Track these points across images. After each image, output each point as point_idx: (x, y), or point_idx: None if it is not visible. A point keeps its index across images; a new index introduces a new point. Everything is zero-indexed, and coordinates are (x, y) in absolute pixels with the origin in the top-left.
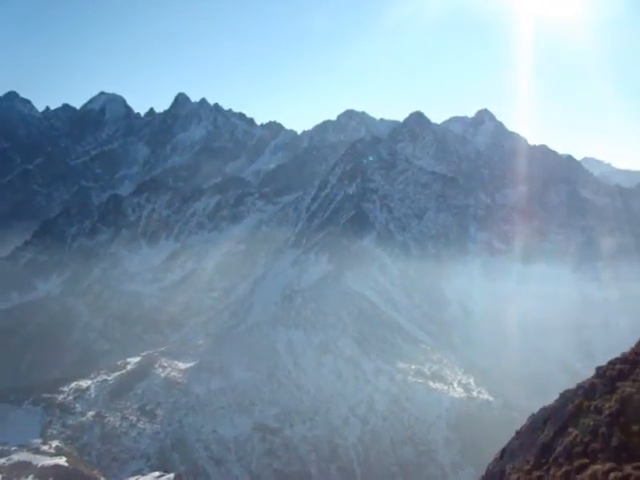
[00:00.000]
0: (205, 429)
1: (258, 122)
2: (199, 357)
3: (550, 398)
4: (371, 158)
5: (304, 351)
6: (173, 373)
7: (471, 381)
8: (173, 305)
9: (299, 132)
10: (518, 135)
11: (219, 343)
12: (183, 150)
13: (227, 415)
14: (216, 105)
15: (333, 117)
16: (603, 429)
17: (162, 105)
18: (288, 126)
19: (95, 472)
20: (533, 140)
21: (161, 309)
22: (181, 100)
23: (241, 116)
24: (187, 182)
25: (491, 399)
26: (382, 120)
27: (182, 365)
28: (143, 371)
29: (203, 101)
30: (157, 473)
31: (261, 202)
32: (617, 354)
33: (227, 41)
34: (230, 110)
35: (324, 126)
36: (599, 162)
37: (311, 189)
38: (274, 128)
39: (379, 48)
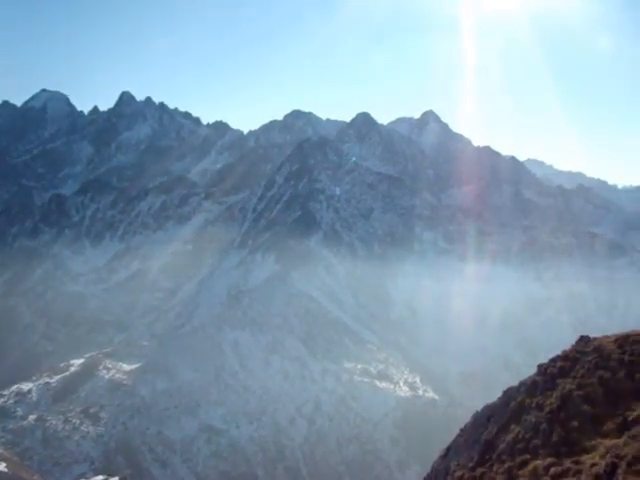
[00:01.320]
0: (150, 431)
1: (204, 121)
2: (144, 358)
3: (494, 396)
4: (319, 158)
5: (251, 352)
6: (118, 375)
7: (417, 380)
8: (118, 306)
9: (245, 132)
10: (463, 136)
11: (165, 344)
12: (128, 149)
13: (173, 416)
14: (161, 104)
15: (279, 117)
16: (544, 425)
17: (106, 104)
18: (234, 126)
19: (36, 477)
20: (477, 141)
21: (105, 310)
22: (126, 99)
23: (187, 115)
24: (132, 182)
25: (436, 397)
26: (329, 120)
27: (127, 366)
28: (87, 373)
29: (148, 100)
30: (101, 477)
31: (207, 202)
32: (558, 351)
33: (172, 40)
34: (176, 109)
35: (270, 126)
36: (542, 163)
37: (257, 189)
38: (220, 127)
39: (325, 48)
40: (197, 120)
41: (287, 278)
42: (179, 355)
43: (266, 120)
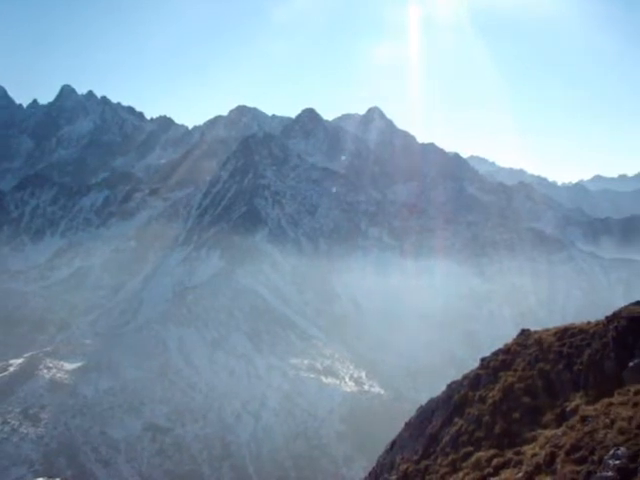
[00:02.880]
0: (93, 431)
1: (148, 116)
2: (87, 357)
3: (439, 390)
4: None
5: (196, 349)
6: (59, 374)
7: (363, 375)
8: (59, 304)
9: (190, 127)
10: (407, 133)
11: (108, 342)
12: (69, 144)
13: (116, 416)
14: (104, 98)
15: (224, 112)
16: (487, 418)
17: (46, 97)
18: (179, 121)
19: None
20: (422, 138)
21: (47, 308)
22: (66, 92)
23: (130, 110)
24: (74, 177)
25: (382, 392)
26: (274, 116)
27: (69, 366)
28: (26, 373)
29: (90, 93)
30: (41, 479)
31: (151, 198)
32: (501, 345)
33: (115, 32)
34: (119, 103)
35: (215, 121)
36: (484, 160)
37: (202, 185)
38: (164, 123)
39: (271, 44)
40: (141, 115)
41: (232, 274)
42: (123, 353)
43: (211, 115)
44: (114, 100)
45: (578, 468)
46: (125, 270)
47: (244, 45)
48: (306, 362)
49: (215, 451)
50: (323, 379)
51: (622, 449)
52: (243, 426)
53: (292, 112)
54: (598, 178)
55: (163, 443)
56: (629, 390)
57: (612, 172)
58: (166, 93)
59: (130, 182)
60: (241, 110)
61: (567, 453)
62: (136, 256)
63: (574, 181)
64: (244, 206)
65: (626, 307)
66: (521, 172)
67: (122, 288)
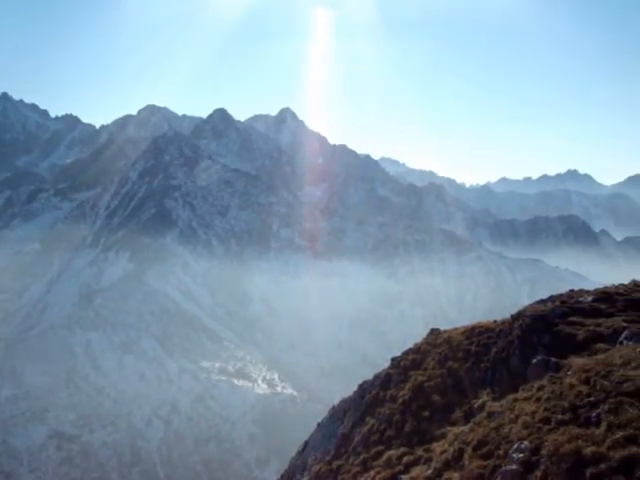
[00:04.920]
0: None
1: (53, 114)
2: None
3: (351, 390)
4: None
5: (104, 353)
6: None
7: (275, 377)
8: None
9: (97, 126)
10: (319, 134)
11: (11, 348)
12: None
13: (19, 424)
14: (5, 95)
15: (134, 112)
16: (397, 417)
17: None
18: (85, 119)
19: None
20: (333, 139)
21: None
22: None
23: (34, 107)
24: None
25: (295, 393)
26: (185, 116)
27: None
28: None
29: None
30: None
31: (56, 199)
32: (411, 344)
33: (17, 26)
34: (21, 100)
35: (124, 121)
36: (395, 162)
37: (110, 186)
38: (70, 121)
39: (182, 43)
40: (45, 113)
41: (142, 277)
42: (27, 359)
43: (119, 114)
44: (16, 97)
45: (484, 463)
46: (29, 273)
47: (154, 44)
48: (218, 365)
49: (124, 457)
50: (235, 381)
51: (525, 443)
52: (153, 431)
53: (203, 112)
54: (504, 180)
55: (69, 451)
56: (533, 386)
57: (517, 174)
58: (72, 91)
59: (34, 182)
60: (151, 110)
61: (474, 449)
62: (40, 259)
63: (481, 183)
64: (154, 207)
65: (530, 306)
66: (431, 174)
67: (26, 292)
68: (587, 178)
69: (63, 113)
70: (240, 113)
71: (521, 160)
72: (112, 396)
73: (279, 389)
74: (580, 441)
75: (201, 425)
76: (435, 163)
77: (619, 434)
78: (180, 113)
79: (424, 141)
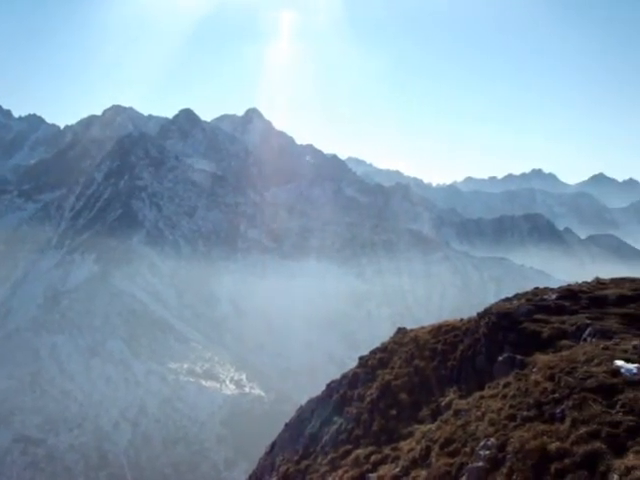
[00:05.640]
0: None
1: (16, 114)
2: None
3: (319, 390)
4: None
5: (70, 356)
6: None
7: (243, 377)
8: None
9: (62, 126)
10: (286, 134)
11: None
12: None
13: None
14: None
15: (98, 112)
16: (365, 416)
17: None
18: (50, 120)
19: None
20: (300, 139)
21: None
22: None
23: None
24: None
25: (263, 394)
26: (150, 116)
27: None
28: None
29: None
30: None
31: (20, 200)
32: (379, 344)
33: None
34: None
35: (89, 121)
36: (362, 162)
37: (75, 187)
38: (34, 121)
39: (148, 43)
40: (8, 113)
41: (108, 278)
42: None
43: (84, 115)
44: None
45: (451, 460)
46: None
47: (119, 43)
48: (186, 366)
49: (91, 461)
50: (203, 383)
51: (492, 440)
52: (121, 434)
53: (169, 112)
54: (470, 180)
55: (35, 455)
56: (499, 383)
57: (483, 174)
58: (36, 91)
59: None
60: (116, 110)
61: (441, 447)
62: (5, 261)
63: (448, 182)
64: (120, 208)
65: (496, 304)
66: (397, 173)
67: None
68: (551, 177)
69: (27, 113)
70: (207, 114)
71: (487, 160)
72: (78, 399)
73: (247, 390)
74: (545, 437)
75: (169, 427)
76: (402, 163)
77: (583, 430)
78: (146, 113)
79: (391, 141)
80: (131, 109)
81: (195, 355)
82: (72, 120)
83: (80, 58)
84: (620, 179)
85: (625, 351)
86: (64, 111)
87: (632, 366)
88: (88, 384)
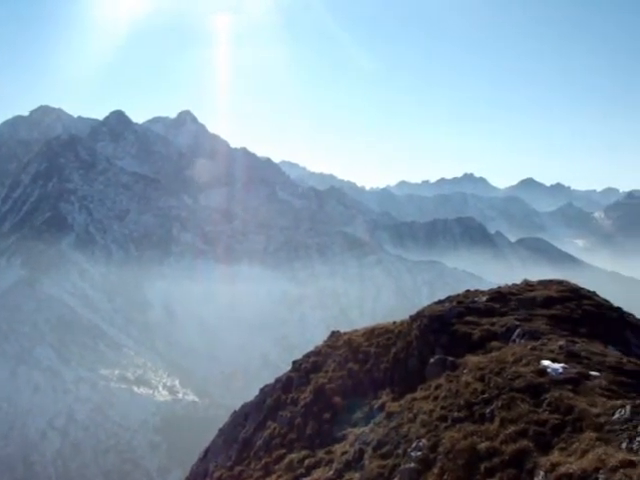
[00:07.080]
0: None
1: None
2: None
3: (253, 394)
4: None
5: None
6: None
7: (176, 383)
8: None
9: None
10: (219, 137)
11: None
12: None
13: None
14: None
15: (25, 112)
16: (299, 420)
17: None
18: None
19: None
20: (234, 142)
21: None
22: None
23: None
24: None
25: (197, 400)
26: (80, 118)
27: None
28: None
29: None
30: None
31: None
32: (312, 347)
33: None
34: None
35: (15, 121)
36: (295, 165)
37: (1, 189)
38: None
39: (80, 43)
40: None
41: (36, 283)
42: None
43: (10, 115)
44: None
45: (384, 462)
46: None
47: (48, 42)
48: (117, 372)
49: (17, 472)
50: (135, 389)
51: (423, 441)
52: (49, 443)
53: (100, 114)
54: (403, 183)
55: None
56: (430, 385)
57: (416, 178)
58: None
59: None
60: (44, 110)
61: (374, 449)
62: None
63: (381, 186)
64: (48, 211)
65: (428, 306)
66: (331, 177)
67: None
68: (482, 181)
69: None
70: (138, 116)
71: (420, 163)
72: (4, 408)
73: (180, 395)
74: (475, 437)
75: (99, 435)
76: (335, 167)
77: (511, 429)
78: (75, 115)
79: (325, 145)
80: (60, 110)
81: (127, 361)
82: None
83: (5, 56)
84: (548, 183)
85: (552, 351)
86: None
87: (558, 366)
88: (14, 393)
